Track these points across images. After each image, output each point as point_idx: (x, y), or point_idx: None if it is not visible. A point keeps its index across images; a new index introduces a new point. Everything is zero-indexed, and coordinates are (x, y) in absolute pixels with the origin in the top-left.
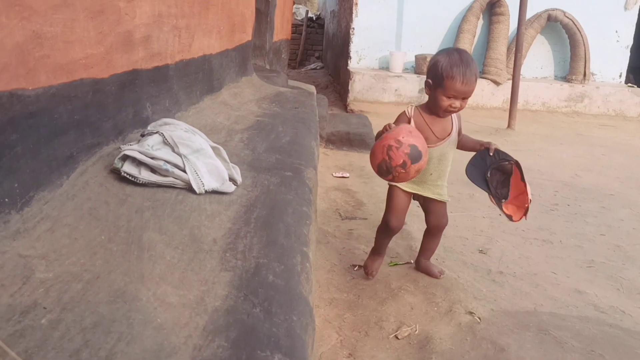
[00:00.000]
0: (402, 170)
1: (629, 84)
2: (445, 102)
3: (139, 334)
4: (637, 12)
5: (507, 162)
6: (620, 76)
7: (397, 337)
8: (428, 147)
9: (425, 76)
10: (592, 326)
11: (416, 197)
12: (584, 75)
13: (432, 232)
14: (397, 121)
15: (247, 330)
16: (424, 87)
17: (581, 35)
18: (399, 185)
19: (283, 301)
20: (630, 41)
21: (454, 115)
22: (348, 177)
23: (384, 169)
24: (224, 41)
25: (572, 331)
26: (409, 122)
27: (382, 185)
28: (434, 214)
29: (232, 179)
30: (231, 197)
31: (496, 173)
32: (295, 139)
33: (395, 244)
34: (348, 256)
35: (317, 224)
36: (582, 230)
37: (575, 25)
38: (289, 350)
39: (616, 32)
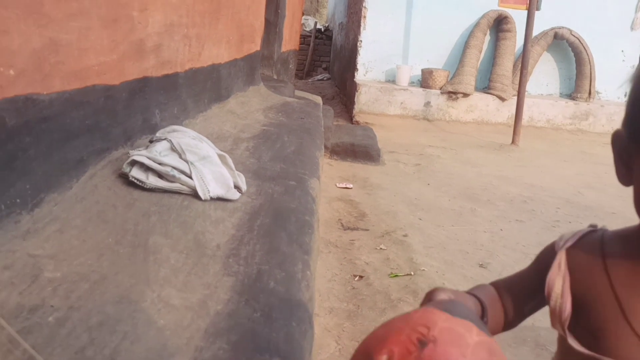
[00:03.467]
0: None
1: None
2: None
3: (143, 333)
4: None
5: None
6: (625, 95)
7: None
8: None
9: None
10: None
11: None
12: (589, 93)
13: None
14: (519, 278)
15: (247, 334)
16: (613, 162)
17: (587, 54)
18: None
19: (283, 307)
20: (636, 61)
21: None
22: (351, 188)
23: None
24: (233, 51)
25: None
26: (560, 284)
27: (385, 197)
28: None
29: (237, 187)
30: (236, 205)
31: None
32: (300, 149)
33: (396, 255)
34: (349, 266)
35: (319, 233)
36: None
37: (582, 43)
38: (287, 354)
39: (622, 51)
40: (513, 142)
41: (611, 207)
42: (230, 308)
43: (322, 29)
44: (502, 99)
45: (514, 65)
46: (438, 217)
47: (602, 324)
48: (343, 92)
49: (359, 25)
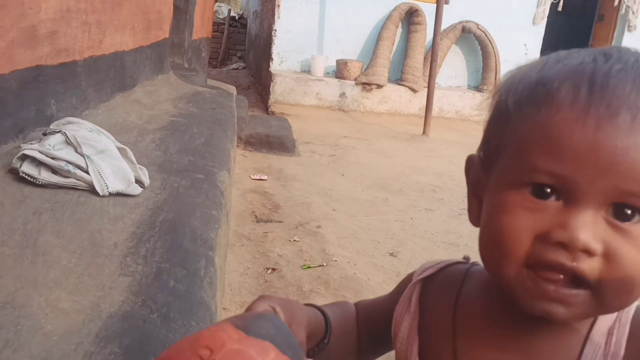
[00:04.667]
0: None
1: None
2: (522, 215)
3: (27, 340)
4: (544, 27)
5: None
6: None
7: None
8: None
9: (353, 82)
10: None
11: None
12: (495, 85)
13: None
14: (379, 303)
15: (142, 337)
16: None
17: (492, 47)
18: None
19: (182, 307)
20: (537, 54)
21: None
22: (266, 180)
23: None
24: (139, 38)
25: None
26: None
27: (300, 188)
28: None
29: (139, 181)
30: (137, 200)
31: None
32: (211, 141)
33: (309, 247)
34: (262, 259)
35: (230, 227)
36: None
37: (488, 37)
38: None
39: (525, 45)
40: (424, 132)
41: None
42: (125, 310)
43: (237, 17)
44: (413, 90)
45: (425, 58)
46: (352, 207)
47: None
48: (258, 82)
49: (273, 14)
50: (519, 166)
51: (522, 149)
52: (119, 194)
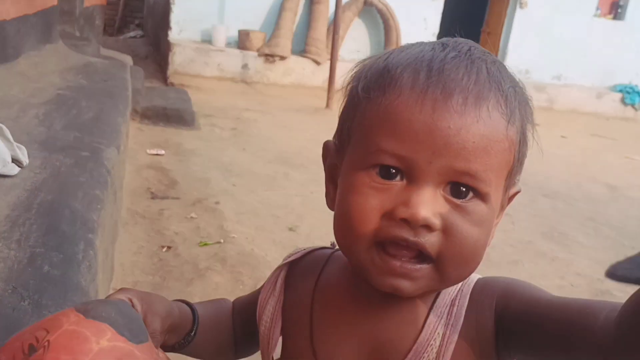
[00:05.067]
0: None
1: None
2: (370, 195)
3: None
4: (443, 2)
5: None
6: None
7: None
8: None
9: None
10: None
11: None
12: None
13: None
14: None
15: (10, 326)
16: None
17: (394, 21)
18: None
19: (56, 293)
20: (436, 29)
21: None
22: (163, 155)
23: None
24: (22, 5)
25: None
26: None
27: (199, 163)
28: None
29: (16, 160)
30: (14, 181)
31: None
32: (100, 115)
33: (207, 223)
34: (157, 237)
35: (122, 205)
36: None
37: (389, 11)
38: None
39: (424, 20)
40: (327, 105)
41: None
42: None
43: None
44: (317, 62)
45: (328, 30)
46: (252, 182)
47: (295, 355)
48: (157, 52)
49: None
50: (366, 149)
51: (369, 132)
52: None
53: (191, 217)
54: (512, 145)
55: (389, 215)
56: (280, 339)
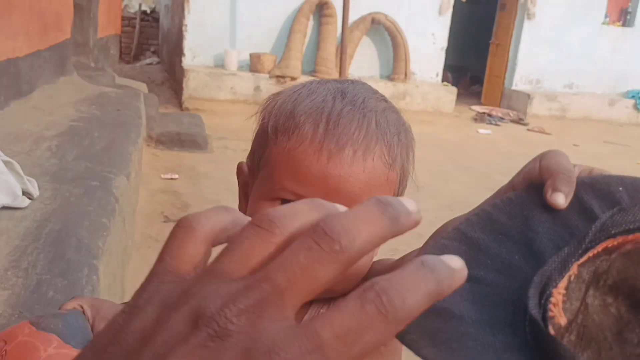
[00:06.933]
0: None
1: (444, 82)
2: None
3: None
4: (450, 17)
5: None
6: (437, 75)
7: None
8: None
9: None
10: None
11: None
12: (405, 74)
13: None
14: None
15: None
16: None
17: (401, 38)
18: None
19: None
20: (444, 43)
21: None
22: (177, 179)
23: None
24: (35, 42)
25: None
26: None
27: (211, 186)
28: None
29: (27, 193)
30: (25, 212)
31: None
32: (112, 145)
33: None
34: None
35: (130, 230)
36: None
37: (396, 28)
38: None
39: (432, 35)
40: None
41: (419, 181)
42: (0, 323)
43: (148, 11)
44: None
45: (337, 49)
46: None
47: None
48: (172, 78)
49: (183, 9)
50: (271, 184)
51: (274, 170)
52: (5, 208)
53: None
54: (392, 186)
55: None
56: None
